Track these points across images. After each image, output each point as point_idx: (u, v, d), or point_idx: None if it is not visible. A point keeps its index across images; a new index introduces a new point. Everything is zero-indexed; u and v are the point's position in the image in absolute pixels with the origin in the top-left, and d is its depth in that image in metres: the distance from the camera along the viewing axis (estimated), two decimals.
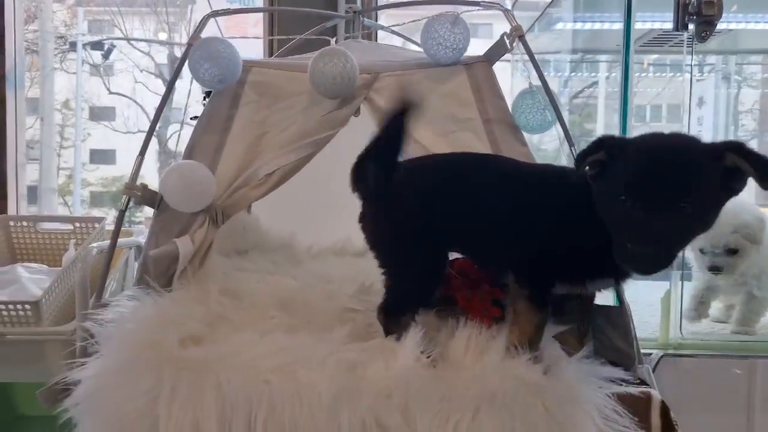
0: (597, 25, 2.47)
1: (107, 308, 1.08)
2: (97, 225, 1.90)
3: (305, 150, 1.27)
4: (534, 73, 1.29)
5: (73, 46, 11.76)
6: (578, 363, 1.02)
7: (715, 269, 1.58)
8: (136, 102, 13.82)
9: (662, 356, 1.24)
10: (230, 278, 1.30)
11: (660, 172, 0.82)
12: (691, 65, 1.51)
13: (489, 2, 1.32)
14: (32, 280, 1.73)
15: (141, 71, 13.45)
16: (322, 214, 1.87)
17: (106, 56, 12.31)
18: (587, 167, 0.90)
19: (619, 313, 1.18)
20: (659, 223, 0.81)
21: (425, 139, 1.28)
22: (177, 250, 1.13)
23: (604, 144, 0.89)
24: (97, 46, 12.29)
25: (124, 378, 0.95)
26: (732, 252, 1.56)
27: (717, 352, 1.39)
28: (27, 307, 1.52)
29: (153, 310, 1.06)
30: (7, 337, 1.51)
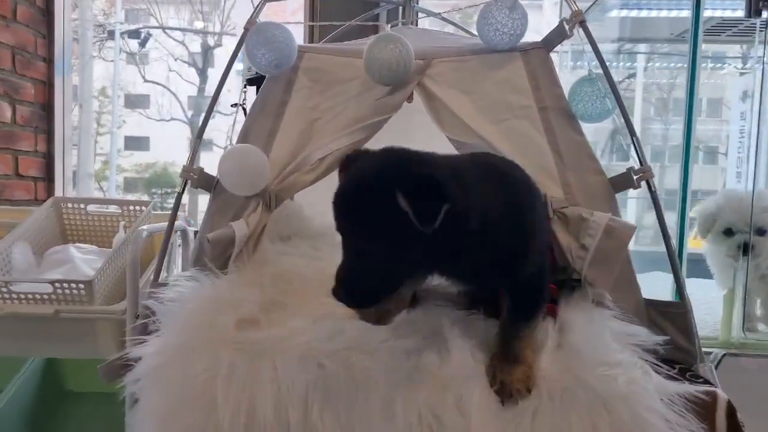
0: (647, 13, 2.40)
1: (167, 288, 1.09)
2: (144, 208, 1.93)
3: (358, 135, 1.26)
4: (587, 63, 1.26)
5: (111, 34, 11.98)
6: (640, 360, 1.00)
7: (744, 248, 1.53)
8: (169, 90, 14.03)
9: (724, 355, 1.20)
10: (281, 262, 1.31)
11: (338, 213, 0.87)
12: (764, 54, 1.45)
13: None
14: (84, 260, 1.77)
15: (175, 60, 13.64)
16: None
17: (142, 45, 12.51)
18: None
19: (679, 308, 1.15)
20: (345, 265, 0.86)
21: (479, 128, 1.26)
22: (234, 233, 1.14)
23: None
24: (133, 34, 12.51)
25: (183, 356, 0.96)
26: (761, 232, 1.53)
27: None
28: (81, 286, 1.55)
29: (211, 291, 1.07)
30: (61, 314, 1.55)
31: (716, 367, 1.10)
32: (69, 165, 2.92)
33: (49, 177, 2.77)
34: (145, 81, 13.76)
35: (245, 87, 2.02)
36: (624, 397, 0.93)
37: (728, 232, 1.59)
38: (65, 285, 1.56)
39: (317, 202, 1.90)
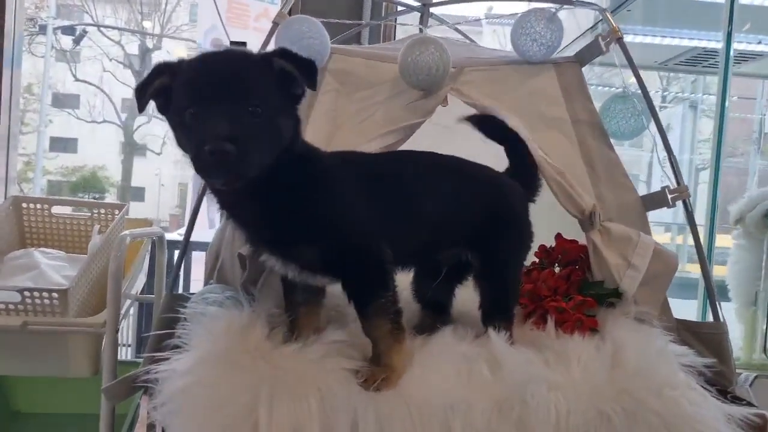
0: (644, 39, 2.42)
1: (190, 302, 0.97)
2: (118, 212, 1.77)
3: (393, 137, 1.19)
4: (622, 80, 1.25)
5: (42, 29, 11.27)
6: (694, 384, 0.97)
7: None
8: (103, 91, 13.37)
9: (756, 377, 1.21)
10: None
11: (218, 76, 0.83)
12: None
13: (586, 2, 1.27)
14: (52, 266, 1.58)
15: (110, 60, 13.02)
16: None
17: (76, 42, 11.84)
18: (152, 99, 0.87)
19: (715, 330, 1.14)
20: (228, 119, 0.79)
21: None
22: None
23: (162, 68, 0.86)
24: (67, 31, 11.82)
25: (223, 373, 0.85)
26: None
27: None
28: (54, 295, 1.38)
29: (244, 307, 0.96)
30: (30, 327, 1.37)
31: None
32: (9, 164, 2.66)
33: None
34: (76, 80, 13.03)
35: None
36: (689, 420, 0.91)
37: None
38: (36, 294, 1.38)
39: None
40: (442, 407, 0.90)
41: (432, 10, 1.53)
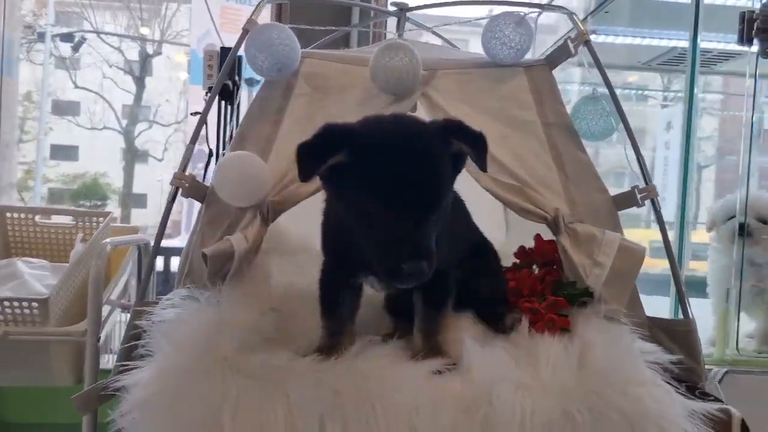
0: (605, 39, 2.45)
1: (157, 308, 0.98)
2: (102, 219, 1.78)
3: None
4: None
5: (40, 36, 11.30)
6: (660, 381, 0.98)
7: (745, 228, 1.61)
8: (103, 98, 13.39)
9: (726, 372, 1.21)
10: (279, 280, 1.23)
11: (412, 177, 0.77)
12: (756, 80, 1.51)
13: (553, 6, 1.28)
14: (34, 276, 1.60)
15: (110, 66, 13.04)
16: None
17: (75, 49, 11.87)
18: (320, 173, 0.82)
19: (684, 327, 1.15)
20: (422, 234, 0.77)
21: None
22: (233, 248, 1.05)
23: (337, 143, 0.79)
24: (66, 38, 11.85)
25: (186, 382, 0.86)
26: (762, 221, 1.62)
27: None
28: (34, 305, 1.40)
29: (210, 311, 0.97)
30: (10, 337, 1.38)
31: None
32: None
33: None
34: (76, 87, 13.05)
35: (207, 95, 1.93)
36: (653, 417, 0.91)
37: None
38: (16, 304, 1.40)
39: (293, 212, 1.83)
40: (407, 408, 0.91)
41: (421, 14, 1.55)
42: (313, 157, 0.80)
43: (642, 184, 1.20)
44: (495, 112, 1.28)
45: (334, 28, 1.54)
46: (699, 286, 1.65)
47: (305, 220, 1.82)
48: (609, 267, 1.10)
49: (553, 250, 1.25)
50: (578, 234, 1.17)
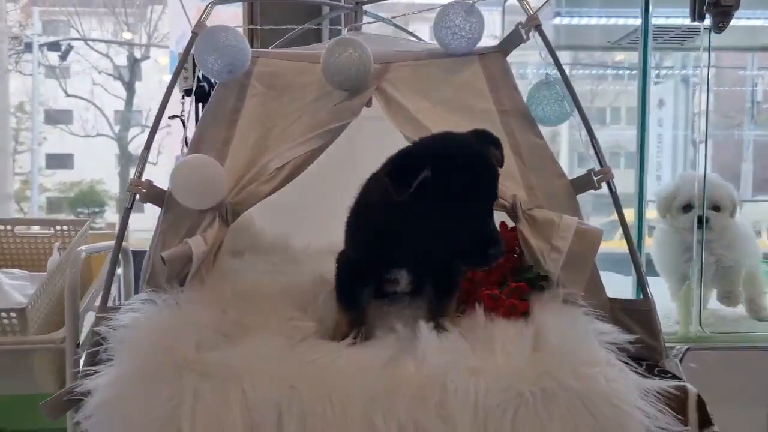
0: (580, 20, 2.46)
1: (118, 313, 1.00)
2: (80, 228, 1.80)
3: (317, 141, 1.21)
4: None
5: (28, 47, 11.29)
6: (614, 360, 1.00)
7: (705, 220, 1.66)
8: (94, 105, 13.37)
9: (687, 349, 1.23)
10: (240, 279, 1.24)
11: (490, 181, 0.98)
12: (709, 59, 1.51)
13: None
14: (14, 286, 1.63)
15: (99, 73, 13.01)
16: (314, 214, 1.81)
17: (63, 57, 11.85)
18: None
19: (643, 306, 1.16)
20: (494, 224, 0.98)
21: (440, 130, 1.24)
22: (191, 250, 1.06)
23: (424, 162, 0.94)
24: (53, 46, 11.83)
25: (142, 386, 0.88)
26: (716, 209, 1.67)
27: (741, 344, 1.39)
28: (12, 315, 1.42)
29: (168, 314, 0.99)
30: None
31: (680, 362, 1.13)
32: None
33: None
34: (67, 95, 13.04)
35: (183, 98, 1.93)
36: (605, 396, 0.93)
37: (687, 208, 1.70)
38: None
39: (269, 214, 1.84)
40: (363, 398, 0.93)
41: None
42: (405, 178, 0.94)
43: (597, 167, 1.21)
44: (451, 103, 1.29)
45: (291, 27, 1.54)
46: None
47: (281, 222, 1.86)
48: (566, 251, 1.11)
49: (515, 237, 1.27)
50: (536, 220, 1.18)
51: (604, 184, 1.21)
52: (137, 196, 1.14)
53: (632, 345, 1.10)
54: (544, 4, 1.34)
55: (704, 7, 1.37)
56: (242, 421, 0.90)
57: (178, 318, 1.00)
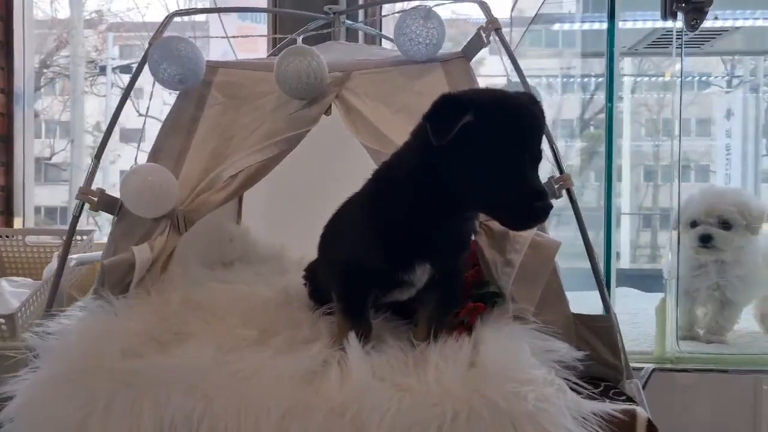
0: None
1: (53, 319, 1.02)
2: (84, 237, 1.88)
3: (272, 150, 1.21)
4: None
5: (103, 70, 12.09)
6: (556, 377, 0.93)
7: (706, 239, 1.52)
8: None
9: (653, 370, 1.12)
10: (201, 288, 1.24)
11: (538, 133, 0.90)
12: (682, 59, 1.40)
13: None
14: (14, 293, 1.70)
15: (170, 93, 13.73)
16: (316, 226, 1.81)
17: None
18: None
19: (604, 322, 1.08)
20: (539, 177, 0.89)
21: (399, 138, 1.21)
22: (133, 258, 1.08)
23: (466, 105, 0.86)
24: (126, 69, 12.61)
25: (55, 391, 0.89)
26: (725, 226, 1.51)
27: (717, 367, 1.27)
28: (1, 320, 1.48)
29: (97, 321, 1.01)
30: None
31: (646, 384, 1.03)
32: (31, 198, 2.87)
33: (8, 210, 2.72)
34: (140, 115, 13.83)
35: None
36: (530, 416, 0.86)
37: (693, 224, 1.56)
38: None
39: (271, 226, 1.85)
40: (278, 412, 0.90)
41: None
42: (447, 119, 0.86)
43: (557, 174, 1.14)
44: (411, 109, 1.24)
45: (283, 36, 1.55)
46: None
47: (278, 232, 1.87)
48: (519, 264, 1.04)
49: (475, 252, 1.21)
50: (494, 232, 1.13)
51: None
52: (86, 205, 1.17)
53: (591, 363, 1.03)
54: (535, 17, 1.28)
55: (675, 4, 1.26)
56: (153, 431, 0.89)
57: (111, 325, 1.01)
